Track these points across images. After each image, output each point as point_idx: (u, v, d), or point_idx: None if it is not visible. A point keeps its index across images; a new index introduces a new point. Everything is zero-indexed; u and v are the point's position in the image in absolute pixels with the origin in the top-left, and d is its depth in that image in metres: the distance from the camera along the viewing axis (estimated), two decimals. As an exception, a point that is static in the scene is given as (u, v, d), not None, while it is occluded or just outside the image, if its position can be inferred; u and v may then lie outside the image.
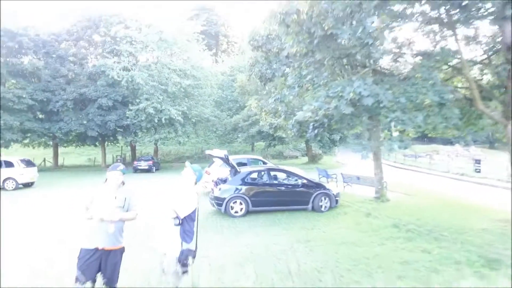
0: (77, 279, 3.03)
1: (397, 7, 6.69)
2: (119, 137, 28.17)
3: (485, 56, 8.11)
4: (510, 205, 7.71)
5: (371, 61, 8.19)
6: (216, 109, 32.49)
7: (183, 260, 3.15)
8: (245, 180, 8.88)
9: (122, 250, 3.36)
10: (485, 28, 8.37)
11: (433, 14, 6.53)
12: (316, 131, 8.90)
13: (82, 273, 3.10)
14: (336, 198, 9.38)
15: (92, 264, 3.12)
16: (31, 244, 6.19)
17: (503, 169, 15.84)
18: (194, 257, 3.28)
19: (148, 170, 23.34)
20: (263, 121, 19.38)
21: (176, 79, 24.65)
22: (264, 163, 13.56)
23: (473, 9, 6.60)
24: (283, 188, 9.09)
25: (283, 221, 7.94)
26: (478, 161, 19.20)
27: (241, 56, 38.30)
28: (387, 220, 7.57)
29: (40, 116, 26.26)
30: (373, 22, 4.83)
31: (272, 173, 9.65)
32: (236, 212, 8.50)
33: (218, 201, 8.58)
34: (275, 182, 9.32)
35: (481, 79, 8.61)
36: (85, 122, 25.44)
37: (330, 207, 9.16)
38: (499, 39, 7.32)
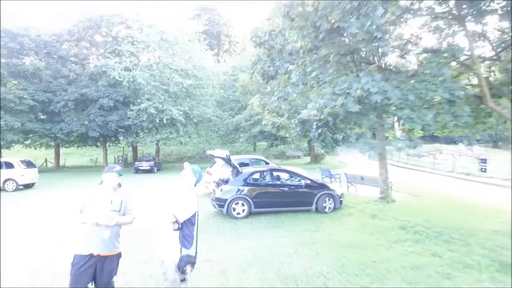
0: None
1: (404, 2, 6.50)
2: (121, 138, 28.09)
3: (493, 52, 7.90)
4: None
5: (376, 58, 8.00)
6: (218, 109, 32.32)
7: (183, 267, 2.96)
8: (247, 181, 8.70)
9: (118, 256, 3.19)
10: (494, 24, 8.17)
11: (442, 8, 6.31)
12: (319, 130, 8.69)
13: (76, 281, 2.94)
14: (340, 199, 9.18)
15: (87, 271, 2.95)
16: (31, 245, 6.14)
17: (508, 168, 15.59)
18: (194, 263, 3.09)
19: (149, 171, 23.27)
20: (265, 120, 19.22)
21: (178, 79, 24.51)
22: (267, 163, 13.37)
23: (482, 4, 6.39)
24: (286, 188, 8.90)
25: (286, 223, 7.75)
26: (483, 161, 18.91)
27: (243, 55, 38.09)
28: (394, 222, 7.36)
29: (42, 116, 26.23)
30: (383, 13, 4.60)
31: (275, 173, 9.45)
32: (238, 213, 8.33)
33: (220, 202, 8.41)
34: (278, 182, 9.13)
35: (489, 76, 8.39)
36: (86, 122, 25.38)
37: (334, 208, 8.97)
38: (508, 36, 7.10)
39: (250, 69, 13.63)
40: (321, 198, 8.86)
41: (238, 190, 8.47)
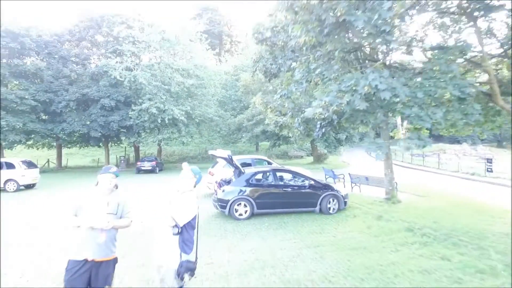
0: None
1: (410, -1, 6.30)
2: (123, 138, 28.04)
3: (501, 50, 7.70)
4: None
5: (381, 55, 7.81)
6: (219, 108, 32.18)
7: (183, 273, 2.81)
8: (250, 181, 8.53)
9: (115, 261, 3.04)
10: (502, 21, 7.95)
11: (450, 4, 6.12)
12: (323, 129, 8.50)
13: (70, 287, 2.79)
14: (345, 200, 9.00)
15: (81, 277, 2.80)
16: (31, 245, 6.08)
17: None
18: (194, 269, 2.93)
19: (151, 171, 23.22)
20: (268, 119, 19.06)
21: (179, 79, 24.40)
22: (269, 163, 13.20)
23: (490, 0, 6.19)
24: (289, 189, 8.73)
25: (289, 224, 7.58)
26: (489, 160, 18.61)
27: (244, 54, 37.91)
28: (400, 224, 7.17)
29: (43, 117, 26.22)
30: (390, 7, 4.40)
31: (278, 173, 9.27)
32: (240, 214, 8.17)
33: (222, 203, 8.25)
34: (281, 183, 8.95)
35: (497, 74, 8.19)
36: (88, 122, 25.33)
37: (339, 209, 8.78)
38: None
39: (251, 67, 13.42)
40: (325, 199, 8.68)
41: (240, 190, 8.31)
